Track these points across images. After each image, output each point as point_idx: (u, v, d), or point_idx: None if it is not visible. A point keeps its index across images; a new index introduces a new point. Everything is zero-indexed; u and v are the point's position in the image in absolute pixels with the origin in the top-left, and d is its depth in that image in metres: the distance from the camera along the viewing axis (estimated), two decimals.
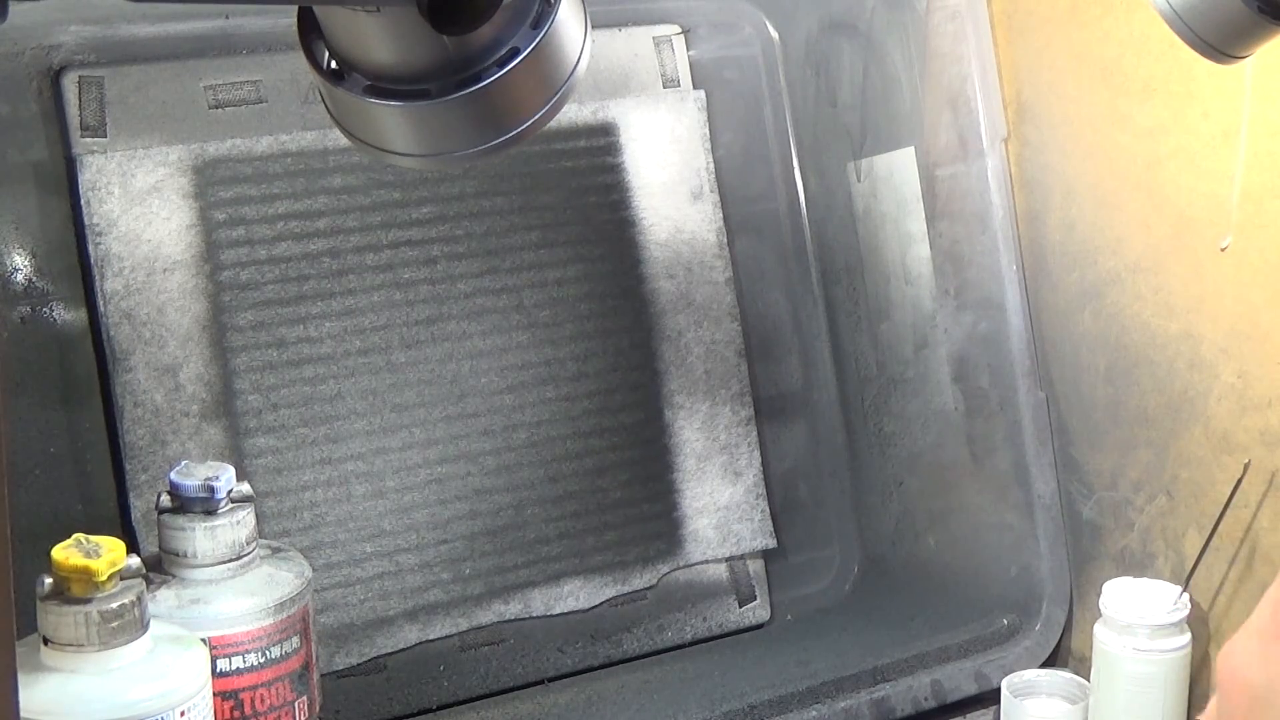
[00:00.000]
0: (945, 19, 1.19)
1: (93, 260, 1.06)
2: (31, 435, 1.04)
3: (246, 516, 0.92)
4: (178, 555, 0.90)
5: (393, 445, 1.15)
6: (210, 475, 0.90)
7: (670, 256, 1.27)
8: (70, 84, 1.06)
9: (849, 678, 1.14)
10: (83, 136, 1.07)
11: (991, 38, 1.18)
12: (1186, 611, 1.05)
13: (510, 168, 1.20)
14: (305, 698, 0.93)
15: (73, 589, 0.76)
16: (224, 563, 0.90)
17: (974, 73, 1.18)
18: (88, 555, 0.77)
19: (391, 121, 0.63)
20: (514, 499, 1.20)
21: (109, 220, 1.07)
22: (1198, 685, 1.08)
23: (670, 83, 1.29)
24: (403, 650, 1.15)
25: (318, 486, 1.13)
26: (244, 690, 0.89)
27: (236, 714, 0.89)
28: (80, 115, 1.07)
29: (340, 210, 1.14)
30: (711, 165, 1.29)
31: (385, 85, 0.62)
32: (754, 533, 1.30)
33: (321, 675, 0.98)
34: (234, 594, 0.90)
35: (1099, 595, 1.08)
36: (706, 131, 1.30)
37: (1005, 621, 1.20)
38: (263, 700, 0.90)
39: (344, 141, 0.67)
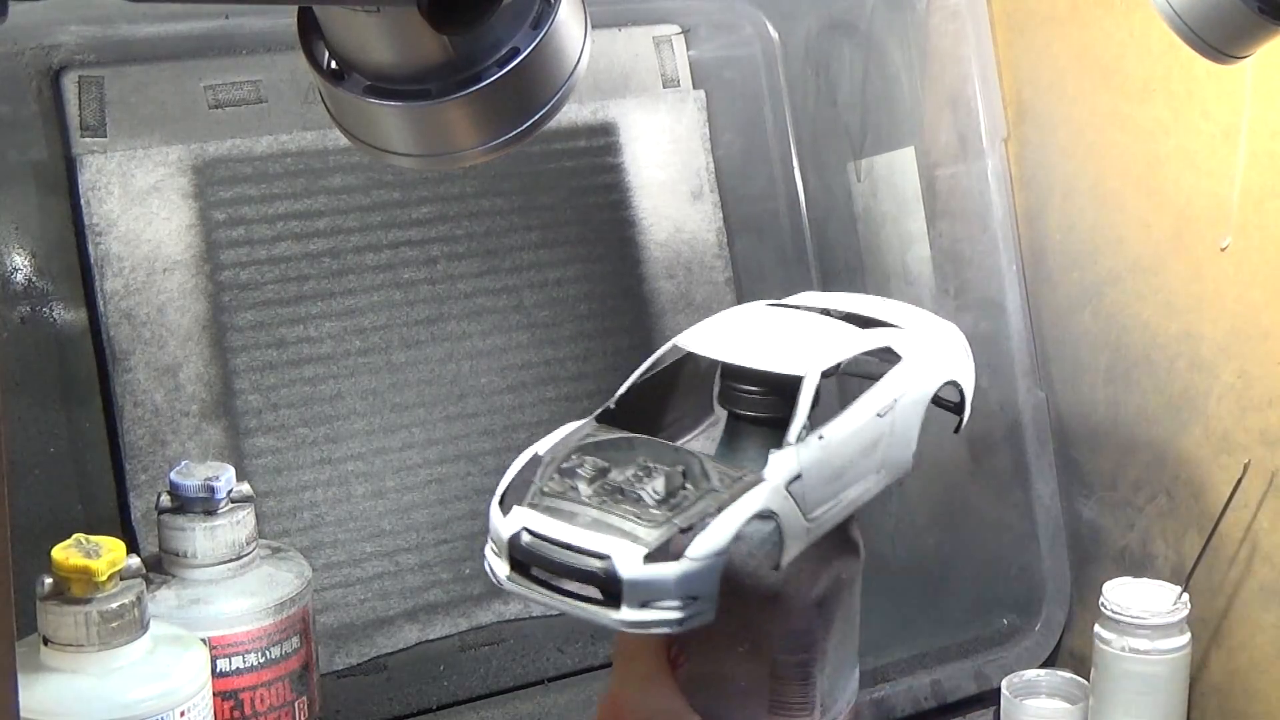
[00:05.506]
0: (945, 19, 1.19)
1: (93, 260, 1.06)
2: (31, 435, 1.04)
3: (246, 516, 0.92)
4: (178, 555, 0.90)
5: (393, 445, 1.15)
6: (210, 475, 0.90)
7: (670, 256, 1.27)
8: (70, 84, 1.06)
9: None
10: (83, 136, 1.07)
11: (991, 38, 1.18)
12: (1186, 611, 1.05)
13: (510, 168, 1.20)
14: (305, 698, 0.93)
15: (73, 589, 0.76)
16: (224, 563, 0.90)
17: (974, 73, 1.18)
18: (88, 555, 0.77)
19: (391, 121, 0.63)
20: None
21: (109, 220, 1.07)
22: (1198, 685, 1.08)
23: (670, 83, 1.29)
24: (403, 650, 1.15)
25: (318, 486, 1.13)
26: (244, 690, 0.89)
27: (236, 714, 0.89)
28: (80, 115, 1.07)
29: (340, 210, 1.14)
30: (711, 165, 1.29)
31: (385, 85, 0.62)
32: None
33: (321, 675, 0.98)
34: (234, 594, 0.90)
35: (1099, 595, 1.08)
36: (706, 131, 1.30)
37: (1005, 621, 1.20)
38: (263, 700, 0.90)
39: (344, 141, 0.66)
